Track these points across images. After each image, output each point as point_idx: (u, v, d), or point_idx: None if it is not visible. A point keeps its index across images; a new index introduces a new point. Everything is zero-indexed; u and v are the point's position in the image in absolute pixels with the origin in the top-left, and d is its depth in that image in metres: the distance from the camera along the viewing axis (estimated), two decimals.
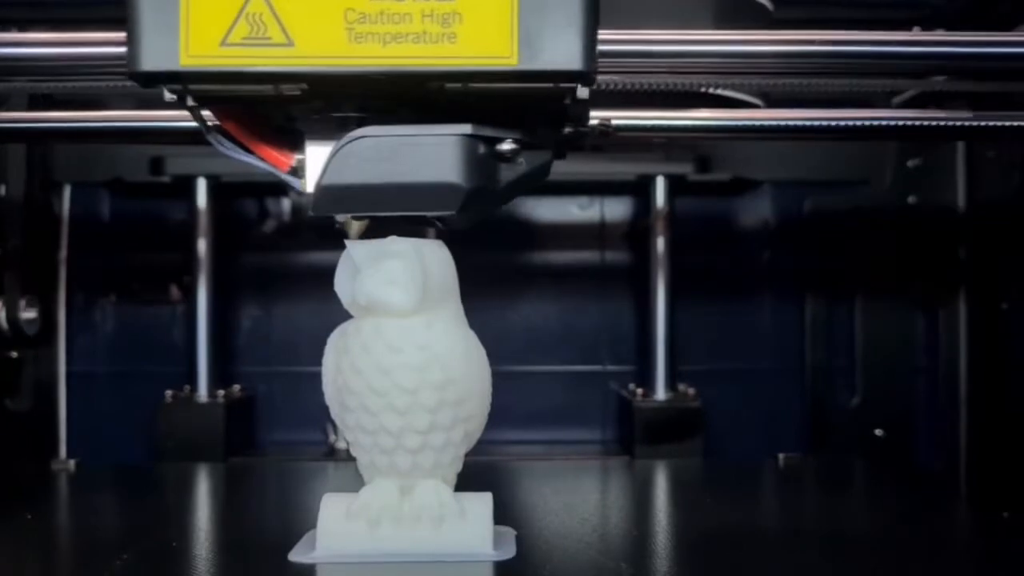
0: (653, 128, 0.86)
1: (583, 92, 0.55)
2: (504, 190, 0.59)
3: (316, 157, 0.58)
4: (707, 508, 0.79)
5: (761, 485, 0.92)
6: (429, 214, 0.58)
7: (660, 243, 1.13)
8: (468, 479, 0.63)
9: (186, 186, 1.12)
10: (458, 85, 0.54)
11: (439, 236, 0.61)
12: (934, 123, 0.87)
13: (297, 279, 1.19)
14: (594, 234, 1.22)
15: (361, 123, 0.57)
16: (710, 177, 1.16)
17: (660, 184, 1.13)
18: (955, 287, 1.16)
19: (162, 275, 1.18)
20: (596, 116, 0.76)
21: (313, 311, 1.15)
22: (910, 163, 1.18)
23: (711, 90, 0.91)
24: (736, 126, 0.88)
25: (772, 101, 1.00)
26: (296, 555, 0.61)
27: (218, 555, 0.65)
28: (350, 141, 0.56)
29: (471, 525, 0.61)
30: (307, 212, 0.58)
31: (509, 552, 0.61)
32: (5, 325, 1.07)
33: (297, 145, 0.60)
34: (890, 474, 1.00)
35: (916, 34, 0.72)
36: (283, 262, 1.20)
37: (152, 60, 0.52)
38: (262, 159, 0.60)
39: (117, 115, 0.92)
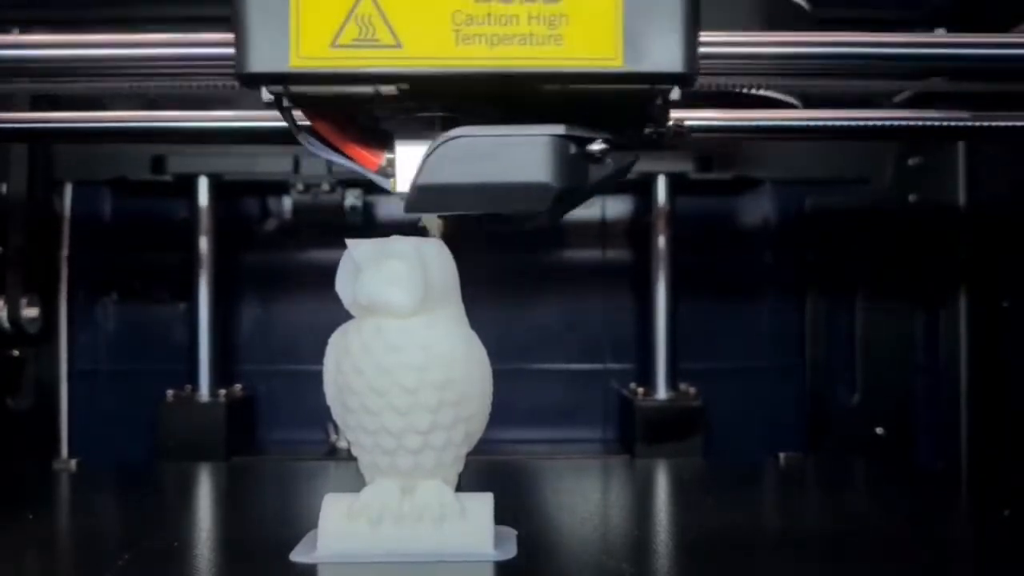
0: (722, 129, 0.86)
1: (676, 94, 0.55)
2: (590, 189, 0.60)
3: (407, 157, 0.59)
4: (708, 508, 0.79)
5: (762, 484, 0.93)
6: (519, 212, 0.60)
7: (661, 241, 1.13)
8: (469, 478, 0.63)
9: (188, 185, 1.12)
10: (558, 86, 0.54)
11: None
12: (934, 123, 0.87)
13: (298, 278, 1.19)
14: (595, 232, 1.22)
15: (447, 123, 0.58)
16: (711, 176, 1.15)
17: (661, 183, 1.13)
18: (955, 285, 1.15)
19: (164, 274, 1.18)
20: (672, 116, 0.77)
21: (314, 310, 1.15)
22: (911, 162, 1.18)
23: (749, 91, 0.90)
24: (794, 127, 0.87)
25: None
26: (297, 555, 0.61)
27: (219, 555, 0.65)
28: (446, 141, 0.56)
29: (472, 525, 0.61)
30: (403, 210, 0.58)
31: (510, 552, 0.61)
32: (7, 324, 1.08)
33: (384, 145, 0.60)
34: (891, 473, 1.00)
35: (914, 35, 0.72)
36: (284, 261, 1.20)
37: (262, 61, 0.53)
38: (351, 158, 0.60)
39: (119, 115, 0.92)
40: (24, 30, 1.02)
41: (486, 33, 0.52)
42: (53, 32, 0.87)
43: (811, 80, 0.81)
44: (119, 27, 0.62)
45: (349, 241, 0.60)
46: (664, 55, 0.53)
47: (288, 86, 0.54)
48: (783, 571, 0.64)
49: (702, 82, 0.63)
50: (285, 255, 1.20)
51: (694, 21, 0.53)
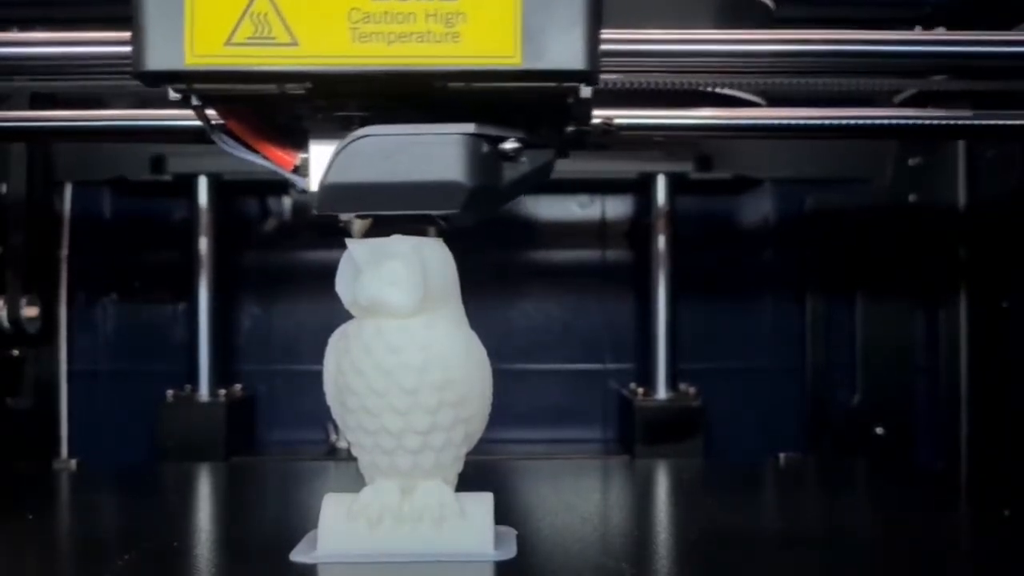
0: (655, 127, 0.86)
1: (586, 91, 0.55)
2: (507, 188, 0.59)
3: (320, 155, 0.58)
4: (708, 508, 0.79)
5: (762, 485, 0.92)
6: (432, 212, 0.59)
7: (661, 241, 1.13)
8: (468, 478, 0.63)
9: (187, 185, 1.12)
10: (461, 84, 0.54)
11: (441, 234, 0.61)
12: (934, 122, 0.87)
13: (298, 278, 1.19)
14: (595, 232, 1.22)
15: (364, 122, 0.57)
16: (711, 176, 1.15)
17: (661, 182, 1.13)
18: (956, 285, 1.15)
19: (163, 274, 1.17)
20: (599, 115, 0.77)
21: (314, 310, 1.15)
22: (911, 161, 1.18)
23: (714, 89, 0.90)
24: (737, 125, 0.88)
25: (772, 100, 1.00)
26: (297, 555, 0.61)
27: (219, 555, 0.65)
28: (354, 140, 0.56)
29: (472, 525, 0.60)
30: (311, 210, 0.58)
31: (510, 552, 0.61)
32: (7, 324, 1.08)
33: (301, 144, 0.60)
34: (891, 473, 1.00)
35: (915, 33, 0.72)
36: (284, 261, 1.20)
37: (157, 60, 0.52)
38: (266, 158, 0.60)
39: (118, 114, 0.92)
40: (23, 28, 1.02)
41: (383, 31, 0.52)
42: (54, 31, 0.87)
43: (731, 78, 0.81)
44: (120, 25, 0.61)
45: (349, 241, 0.60)
46: (564, 52, 0.52)
47: (186, 84, 0.54)
48: (783, 572, 0.64)
49: (609, 79, 0.63)
50: (285, 255, 1.20)
51: (596, 18, 0.52)
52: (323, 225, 1.13)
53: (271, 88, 0.55)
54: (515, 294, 1.20)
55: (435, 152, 0.56)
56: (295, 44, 0.52)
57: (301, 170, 0.59)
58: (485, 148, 0.57)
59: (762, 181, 1.20)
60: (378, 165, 0.56)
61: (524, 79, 0.53)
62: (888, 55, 0.67)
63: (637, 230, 1.20)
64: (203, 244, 1.12)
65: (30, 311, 1.10)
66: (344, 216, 0.60)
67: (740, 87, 0.93)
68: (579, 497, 0.87)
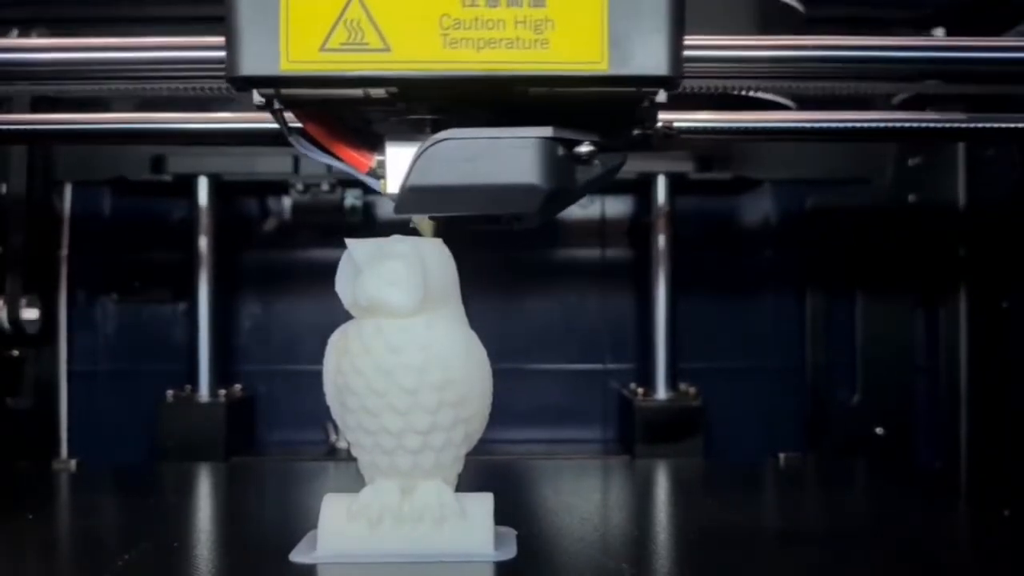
0: (710, 130, 0.86)
1: (662, 96, 0.56)
2: (578, 190, 0.60)
3: (397, 158, 0.59)
4: (708, 508, 0.79)
5: (762, 485, 0.92)
6: (508, 214, 0.60)
7: (661, 241, 1.13)
8: (468, 478, 0.63)
9: (187, 184, 1.12)
10: (544, 89, 0.55)
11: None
12: (932, 125, 0.87)
13: (298, 278, 1.19)
14: (595, 232, 1.22)
15: (437, 125, 0.58)
16: (711, 176, 1.15)
17: (661, 182, 1.13)
18: (955, 285, 1.15)
19: (163, 274, 1.17)
20: (662, 118, 0.78)
21: (314, 310, 1.16)
22: (911, 162, 1.18)
23: (742, 92, 0.90)
24: (785, 128, 0.87)
25: (802, 102, 0.99)
26: (297, 555, 0.61)
27: (220, 555, 0.65)
28: (434, 143, 0.57)
29: (472, 525, 0.61)
30: (393, 212, 0.59)
31: (510, 552, 0.61)
32: (6, 324, 1.08)
33: (375, 146, 0.61)
34: (890, 474, 1.00)
35: (912, 39, 0.72)
36: (284, 261, 1.20)
37: (253, 65, 0.53)
38: (342, 160, 0.61)
39: (119, 117, 0.92)
40: (23, 31, 1.02)
41: (473, 37, 0.53)
42: (51, 34, 0.87)
43: (799, 82, 0.80)
44: (119, 27, 0.61)
45: (349, 241, 0.60)
46: (649, 58, 0.53)
47: (278, 89, 0.55)
48: (783, 572, 0.64)
49: (689, 85, 0.64)
50: (285, 255, 1.20)
51: (679, 24, 0.53)
52: (322, 225, 1.15)
53: (359, 92, 0.55)
54: (516, 293, 1.20)
55: (514, 155, 0.57)
56: (388, 50, 0.53)
57: (376, 172, 0.60)
58: (560, 151, 0.58)
59: (762, 181, 1.20)
60: (458, 168, 0.56)
61: (610, 84, 0.54)
62: (882, 60, 0.66)
63: (637, 230, 1.20)
64: (203, 244, 1.12)
65: (30, 311, 1.10)
66: (416, 217, 0.61)
67: (774, 90, 0.93)
68: (579, 497, 0.87)
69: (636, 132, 0.62)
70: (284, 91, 0.55)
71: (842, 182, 1.20)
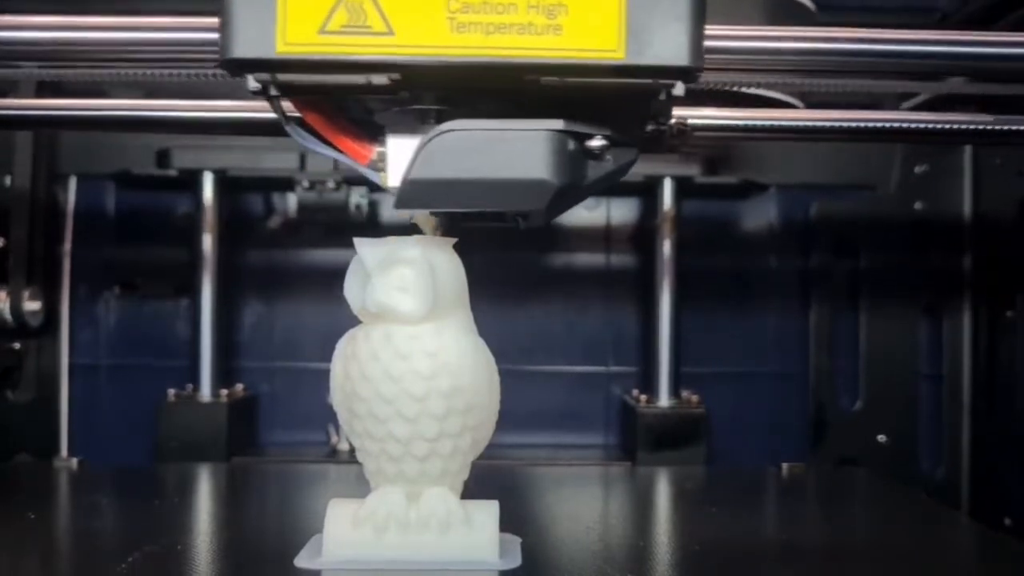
0: (725, 128, 0.85)
1: (679, 89, 0.52)
2: (589, 187, 0.57)
3: (399, 150, 0.56)
4: (712, 518, 0.79)
5: (765, 494, 0.92)
6: (515, 210, 0.57)
7: (666, 245, 1.12)
8: (472, 484, 0.63)
9: (192, 180, 1.12)
10: (556, 79, 0.52)
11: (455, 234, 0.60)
12: (947, 127, 0.86)
13: (302, 276, 1.19)
14: (600, 235, 1.21)
15: (441, 116, 0.55)
16: (717, 180, 1.15)
17: (667, 186, 1.13)
18: (960, 294, 1.15)
19: (166, 269, 1.17)
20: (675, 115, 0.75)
21: (318, 308, 1.15)
22: (917, 169, 1.18)
23: (747, 89, 0.89)
24: (802, 127, 0.86)
25: (810, 101, 0.99)
26: (302, 561, 0.60)
27: (224, 559, 0.65)
28: (439, 134, 0.53)
29: (477, 533, 0.60)
30: (392, 206, 0.56)
31: (515, 560, 0.61)
32: (9, 316, 1.08)
33: (376, 138, 0.58)
34: (893, 482, 0.99)
35: (934, 33, 0.70)
36: (288, 258, 1.19)
37: (247, 47, 0.50)
38: (341, 151, 0.58)
39: (124, 104, 0.91)
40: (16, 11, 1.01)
41: (482, 22, 0.50)
42: (40, 14, 0.86)
43: (820, 79, 0.79)
44: (119, 9, 0.60)
45: (357, 241, 0.59)
46: (668, 47, 0.50)
47: (274, 73, 0.52)
48: None
49: (706, 79, 0.62)
50: (289, 252, 1.19)
51: (700, 12, 0.51)
52: (327, 223, 1.14)
53: (359, 79, 0.52)
54: (520, 296, 1.19)
55: (522, 148, 0.53)
56: (391, 33, 0.50)
57: (377, 164, 0.57)
58: (572, 145, 0.54)
59: (768, 186, 1.20)
60: (463, 161, 0.53)
61: (626, 75, 0.51)
62: (905, 55, 0.65)
63: (642, 233, 1.20)
64: (207, 240, 1.11)
65: (32, 304, 1.10)
66: (418, 214, 0.59)
67: (777, 88, 0.92)
68: (583, 505, 0.86)
69: (650, 127, 0.60)
70: (281, 76, 0.52)
71: (848, 188, 1.19)
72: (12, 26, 0.62)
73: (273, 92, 0.54)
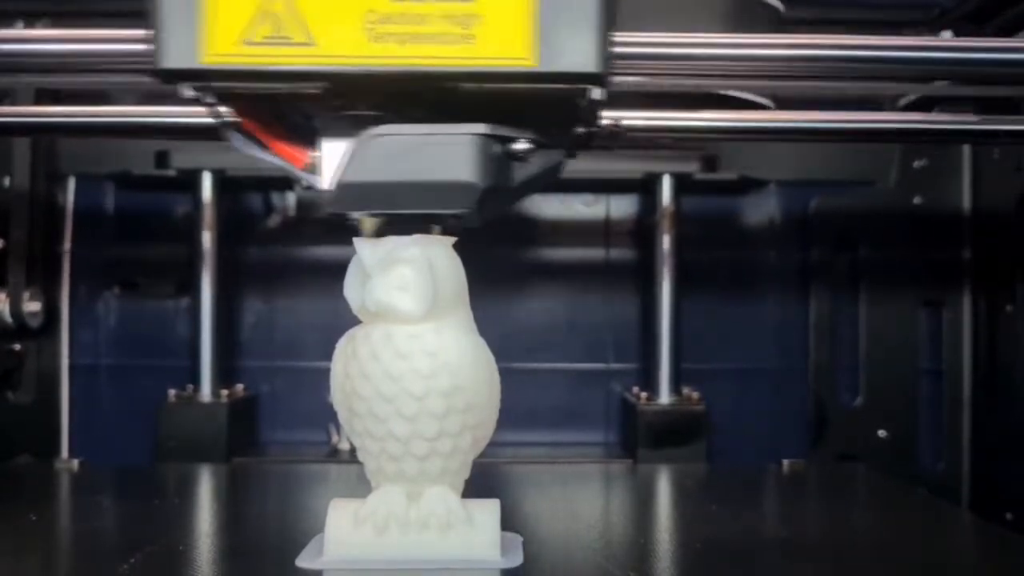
0: (662, 128, 0.86)
1: (597, 93, 0.55)
2: (518, 188, 0.60)
3: (332, 154, 0.58)
4: (713, 515, 0.79)
5: (766, 491, 0.92)
6: (444, 212, 0.59)
7: (666, 241, 1.12)
8: (472, 482, 0.63)
9: (191, 180, 1.12)
10: (474, 85, 0.54)
11: (449, 233, 0.61)
12: (939, 126, 0.86)
13: (302, 274, 1.19)
14: (600, 232, 1.21)
15: (376, 121, 0.57)
16: (716, 176, 1.15)
17: (666, 182, 1.13)
18: (959, 288, 1.16)
19: (166, 269, 1.17)
20: (607, 116, 0.77)
21: (317, 307, 1.15)
22: (916, 164, 1.18)
23: (722, 92, 0.90)
24: (743, 127, 0.88)
25: (781, 102, 0.99)
26: (303, 561, 0.60)
27: (226, 560, 0.65)
28: (368, 139, 0.56)
29: (478, 532, 0.60)
30: (321, 208, 0.58)
31: (516, 559, 0.61)
32: (9, 317, 1.08)
33: (312, 142, 0.60)
34: (893, 478, 0.99)
35: (924, 40, 0.71)
36: (288, 257, 1.19)
37: (175, 58, 0.53)
38: (278, 155, 0.60)
39: (123, 110, 0.91)
40: (28, 23, 1.02)
41: (398, 32, 0.52)
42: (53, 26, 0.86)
43: (738, 81, 0.80)
44: (125, 19, 0.60)
45: (357, 241, 0.59)
46: (577, 55, 0.52)
47: (201, 82, 0.54)
48: None
49: (623, 82, 0.64)
50: (288, 251, 1.19)
51: (608, 21, 0.53)
52: (327, 222, 1.14)
53: (286, 87, 0.55)
54: (519, 292, 1.19)
55: (448, 152, 0.56)
56: (312, 44, 0.52)
57: (312, 168, 0.59)
58: (496, 148, 0.57)
59: (767, 182, 1.20)
60: (391, 165, 0.56)
61: (538, 81, 0.53)
62: (897, 61, 0.66)
63: (642, 229, 1.20)
64: (206, 240, 1.11)
65: (32, 305, 1.10)
66: (356, 215, 0.60)
67: (749, 90, 0.93)
68: (584, 503, 0.86)
69: (578, 130, 0.62)
70: (209, 84, 0.55)
71: (847, 184, 1.19)
72: None
73: (209, 99, 0.56)
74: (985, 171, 1.14)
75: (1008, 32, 1.00)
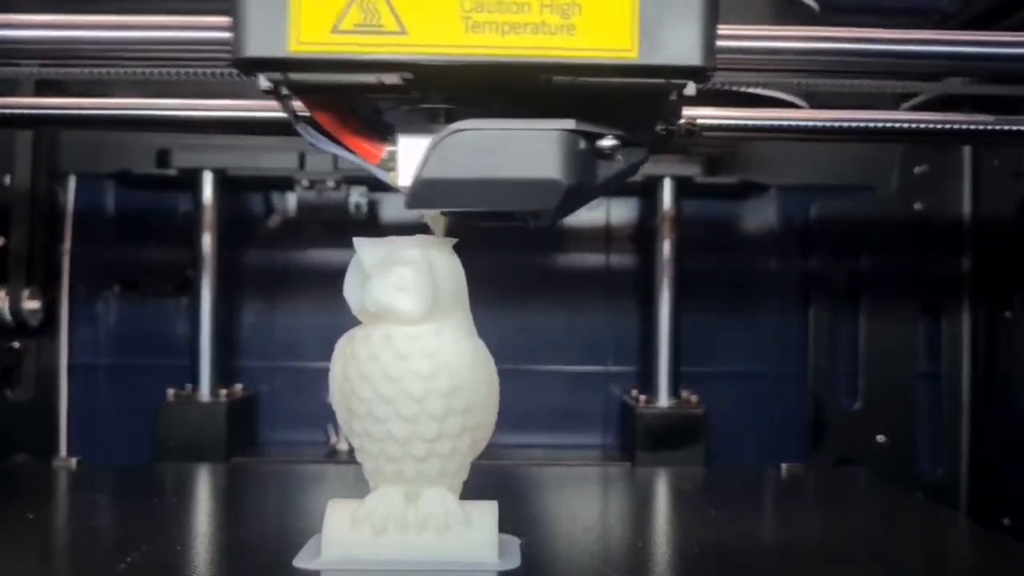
0: (733, 128, 0.85)
1: (691, 89, 0.53)
2: (597, 188, 0.57)
3: (410, 150, 0.56)
4: (711, 519, 0.79)
5: (764, 495, 0.92)
6: (526, 210, 0.57)
7: (666, 245, 1.12)
8: (471, 485, 0.63)
9: (192, 179, 1.12)
10: (568, 78, 0.52)
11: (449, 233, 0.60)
12: (953, 126, 0.86)
13: (302, 275, 1.19)
14: (600, 235, 1.21)
15: (451, 115, 0.55)
16: (717, 180, 1.15)
17: (667, 186, 1.13)
18: (959, 294, 1.16)
19: (166, 269, 1.17)
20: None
21: (318, 308, 1.15)
22: (917, 170, 1.18)
23: (752, 89, 0.89)
24: (809, 127, 0.86)
25: (812, 101, 0.99)
26: (301, 561, 0.60)
27: (223, 560, 0.65)
28: (451, 134, 0.53)
29: (476, 533, 0.60)
30: (404, 206, 0.55)
31: (514, 561, 0.61)
32: (8, 315, 1.07)
33: (384, 137, 0.58)
34: (891, 483, 1.00)
35: (944, 33, 0.70)
36: (288, 257, 1.19)
37: (259, 46, 0.50)
38: (352, 151, 0.58)
39: (125, 103, 0.91)
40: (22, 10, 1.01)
41: (496, 21, 0.50)
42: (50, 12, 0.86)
43: (829, 79, 0.78)
44: (126, 8, 0.59)
45: (357, 241, 0.59)
46: (681, 47, 0.50)
47: (287, 73, 0.52)
48: None
49: (716, 79, 0.62)
50: (289, 252, 1.19)
51: (713, 12, 0.51)
52: (327, 223, 1.14)
53: (372, 78, 0.53)
54: (520, 295, 1.19)
55: (534, 148, 0.53)
56: (404, 32, 0.50)
57: (387, 164, 0.57)
58: (582, 145, 0.54)
59: (768, 186, 1.20)
60: (475, 160, 0.53)
61: (639, 74, 0.51)
62: (915, 55, 0.64)
63: (642, 234, 1.20)
64: (207, 239, 1.11)
65: (32, 303, 1.10)
66: (429, 213, 0.59)
67: (781, 87, 0.92)
68: (582, 505, 0.87)
69: (660, 127, 0.60)
70: (293, 76, 0.52)
71: (848, 189, 1.19)
72: (17, 24, 0.62)
73: (284, 91, 0.54)
74: (985, 177, 1.14)
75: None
